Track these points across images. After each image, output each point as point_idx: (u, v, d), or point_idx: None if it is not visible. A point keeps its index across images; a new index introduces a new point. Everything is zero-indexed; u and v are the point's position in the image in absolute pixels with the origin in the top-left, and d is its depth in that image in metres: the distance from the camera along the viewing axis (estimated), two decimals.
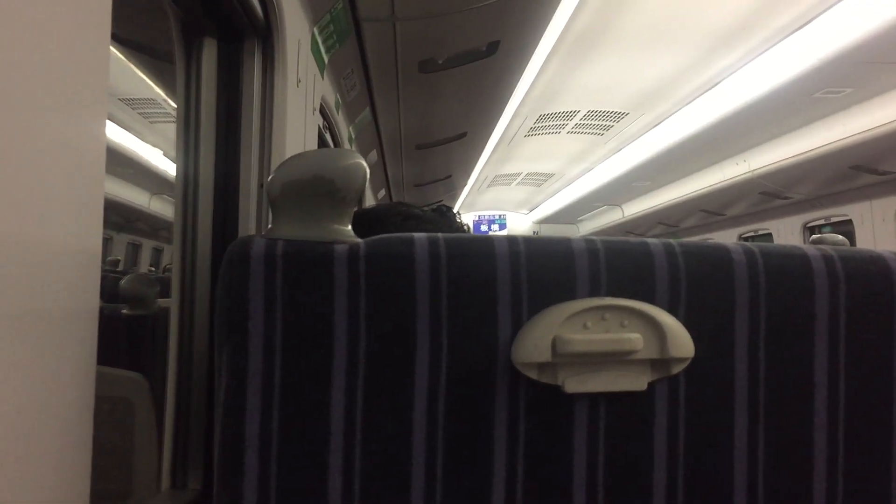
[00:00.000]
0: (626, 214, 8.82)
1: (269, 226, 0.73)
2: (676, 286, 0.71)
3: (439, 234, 0.72)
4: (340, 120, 2.88)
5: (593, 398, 0.70)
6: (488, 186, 9.48)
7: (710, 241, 0.75)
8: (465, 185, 8.15)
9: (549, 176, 8.62)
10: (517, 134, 6.26)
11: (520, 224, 12.03)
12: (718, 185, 6.11)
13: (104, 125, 0.73)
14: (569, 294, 0.70)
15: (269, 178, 0.71)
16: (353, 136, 3.52)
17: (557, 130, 6.28)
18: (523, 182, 9.18)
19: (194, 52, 1.52)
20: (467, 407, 0.69)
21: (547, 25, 2.68)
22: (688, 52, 4.16)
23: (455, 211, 1.50)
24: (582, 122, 5.93)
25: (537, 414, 0.70)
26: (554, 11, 2.54)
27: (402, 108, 3.38)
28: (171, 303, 1.49)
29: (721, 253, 0.73)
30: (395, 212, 1.38)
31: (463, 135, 4.58)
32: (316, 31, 2.03)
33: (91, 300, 0.71)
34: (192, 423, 1.48)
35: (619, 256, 0.71)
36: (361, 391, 0.68)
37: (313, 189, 0.71)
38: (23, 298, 0.58)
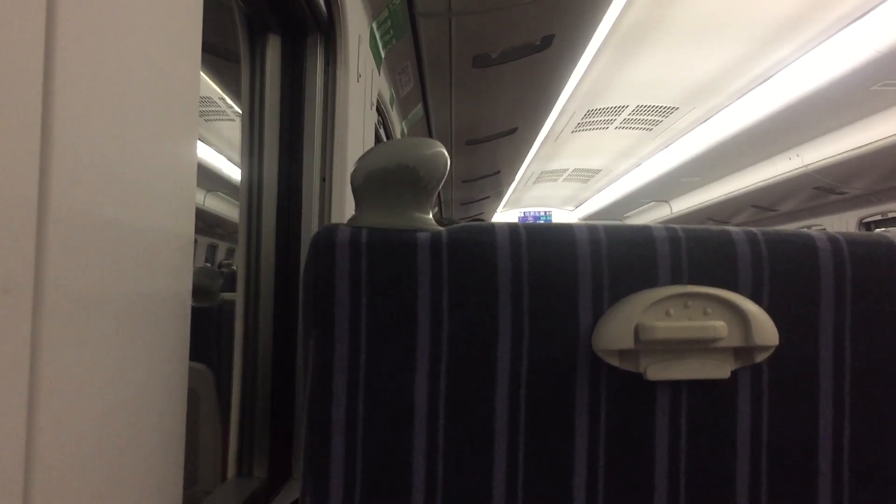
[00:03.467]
0: (674, 211, 8.72)
1: (352, 214, 0.74)
2: (759, 274, 0.71)
3: (520, 223, 0.72)
4: (394, 115, 2.90)
5: (675, 386, 0.70)
6: (534, 182, 9.45)
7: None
8: (512, 180, 8.13)
9: (596, 172, 8.56)
10: (564, 129, 6.23)
11: (565, 221, 11.94)
12: (770, 181, 6.01)
13: (196, 134, 0.75)
14: (650, 282, 0.70)
15: (353, 167, 0.72)
16: (406, 132, 3.54)
17: (605, 126, 6.23)
18: (570, 178, 9.13)
19: (258, 48, 1.55)
20: (549, 393, 0.70)
21: (601, 19, 2.67)
22: (740, 45, 4.10)
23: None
24: (631, 117, 5.88)
25: (618, 401, 0.70)
26: (609, 4, 2.53)
27: (454, 104, 3.39)
28: (237, 296, 1.52)
29: (805, 240, 0.72)
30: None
31: (513, 130, 4.58)
32: (374, 26, 2.05)
33: (185, 284, 0.73)
34: (257, 413, 1.50)
35: (700, 244, 0.71)
36: (444, 376, 0.69)
37: (397, 178, 0.72)
38: (134, 281, 0.61)
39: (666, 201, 8.80)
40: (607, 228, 0.72)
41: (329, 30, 1.60)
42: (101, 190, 0.53)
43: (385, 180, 0.72)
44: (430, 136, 4.26)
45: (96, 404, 0.54)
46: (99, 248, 0.53)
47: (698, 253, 0.71)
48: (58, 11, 0.46)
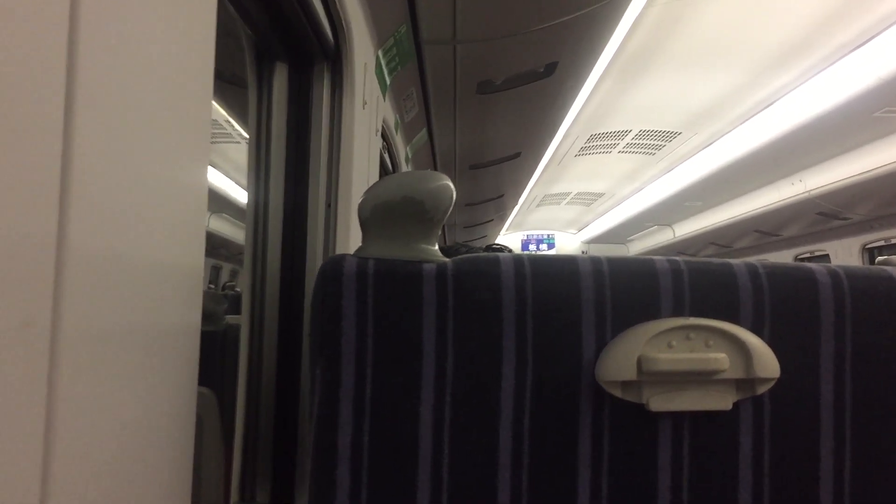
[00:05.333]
0: (677, 235, 8.73)
1: (357, 240, 0.75)
2: (761, 307, 0.72)
3: (524, 254, 0.73)
4: (398, 140, 2.92)
5: (677, 417, 0.71)
6: (537, 206, 9.47)
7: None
8: (516, 204, 8.15)
9: (599, 195, 8.58)
10: (567, 154, 6.26)
11: (568, 244, 11.97)
12: (773, 206, 6.02)
13: (206, 165, 0.76)
14: (653, 313, 0.71)
15: (361, 199, 0.73)
16: (410, 157, 3.56)
17: (608, 150, 6.26)
18: (573, 201, 9.16)
19: (266, 76, 1.57)
20: (552, 423, 0.71)
21: (605, 45, 2.70)
22: (743, 71, 4.13)
23: (506, 248, 1.53)
24: (633, 141, 5.91)
25: (621, 432, 0.71)
26: (612, 32, 2.56)
27: (459, 129, 3.41)
28: (242, 320, 1.53)
29: (805, 274, 0.73)
30: (454, 251, 1.42)
31: (517, 155, 4.60)
32: (380, 53, 2.07)
33: (195, 314, 0.74)
34: (260, 438, 1.51)
35: (702, 276, 0.72)
36: (449, 406, 0.70)
37: (403, 210, 0.73)
38: (146, 312, 0.62)
39: (669, 225, 8.81)
40: (610, 261, 0.73)
41: (336, 58, 1.62)
42: (116, 225, 0.54)
43: (391, 212, 0.73)
44: (434, 160, 4.28)
45: (109, 431, 0.55)
46: (113, 282, 0.54)
47: (700, 285, 0.72)
48: (78, 51, 0.47)
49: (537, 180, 7.08)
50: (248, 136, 1.59)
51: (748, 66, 4.05)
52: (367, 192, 0.74)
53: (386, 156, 2.64)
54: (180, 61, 0.68)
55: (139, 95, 0.58)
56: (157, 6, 0.62)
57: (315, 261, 1.56)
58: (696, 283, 0.72)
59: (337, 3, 1.51)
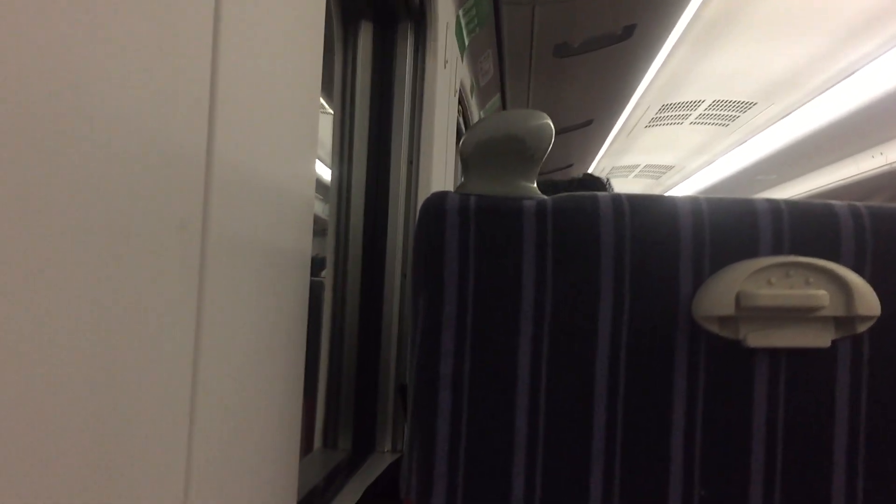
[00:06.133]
0: None
1: (460, 181, 0.77)
2: (862, 246, 0.72)
3: (622, 193, 0.75)
4: (473, 104, 2.93)
5: (774, 354, 0.72)
6: (605, 178, 9.35)
7: None
8: None
9: (668, 168, 8.43)
10: (638, 124, 6.16)
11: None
12: (852, 179, 5.84)
13: (314, 162, 0.80)
14: (751, 252, 0.72)
15: (463, 138, 0.76)
16: None
17: (680, 121, 6.13)
18: (641, 174, 9.01)
19: (350, 34, 1.60)
20: (648, 357, 0.72)
21: (684, 8, 2.65)
22: (823, 40, 4.00)
23: (603, 178, 1.53)
24: (706, 112, 5.77)
25: (717, 367, 0.72)
26: None
27: (533, 93, 3.40)
28: (327, 273, 1.57)
29: None
30: (550, 185, 1.43)
31: (588, 122, 4.56)
32: (461, 13, 2.08)
33: (307, 239, 0.77)
34: (343, 389, 1.56)
35: (802, 216, 0.72)
36: (547, 338, 0.72)
37: (504, 147, 0.75)
38: (267, 231, 0.65)
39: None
40: (709, 200, 0.74)
41: (420, 17, 1.64)
42: (251, 145, 0.58)
43: (493, 150, 0.75)
44: None
45: (242, 342, 0.59)
46: (245, 197, 0.57)
47: (800, 225, 0.72)
48: (220, 58, 0.50)
49: (606, 151, 6.99)
50: (330, 110, 1.62)
51: (829, 35, 3.92)
52: (469, 131, 0.76)
53: (460, 119, 2.66)
54: (296, 52, 0.71)
55: (273, 77, 0.62)
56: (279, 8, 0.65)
57: (397, 216, 1.59)
58: (795, 222, 0.72)
59: None
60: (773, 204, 0.73)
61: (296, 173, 0.72)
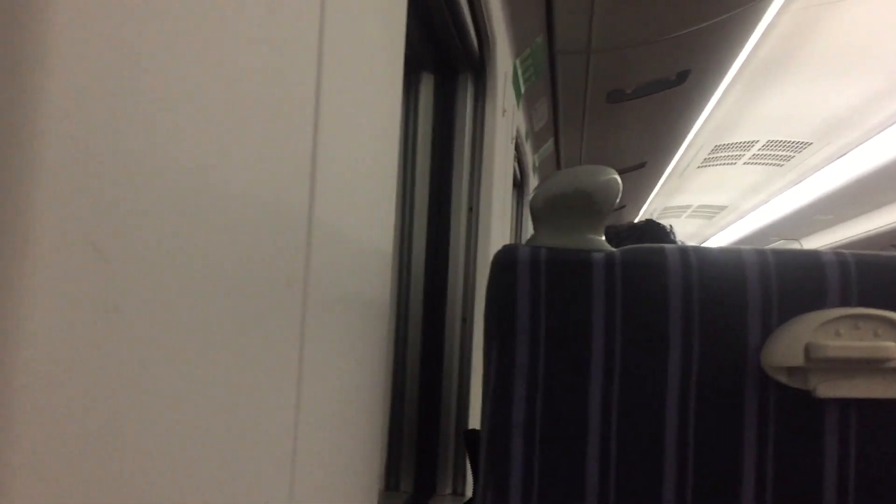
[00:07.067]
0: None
1: (531, 234, 0.80)
2: None
3: (689, 245, 0.77)
4: (528, 149, 2.97)
5: (844, 405, 0.72)
6: (658, 218, 9.28)
7: None
8: (636, 216, 8.04)
9: (722, 208, 8.34)
10: (690, 165, 6.13)
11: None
12: None
13: (393, 216, 0.84)
14: (819, 304, 0.73)
15: (533, 193, 0.79)
16: (537, 165, 3.61)
17: (733, 161, 6.09)
18: (693, 214, 8.93)
19: (413, 85, 1.65)
20: (717, 408, 0.73)
21: (738, 53, 2.67)
22: (879, 79, 3.97)
23: (666, 225, 1.55)
24: (760, 152, 5.73)
25: (787, 418, 0.73)
26: (747, 39, 2.53)
27: (586, 138, 3.43)
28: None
29: None
30: (615, 233, 1.45)
31: (641, 165, 4.57)
32: (517, 63, 2.13)
33: (386, 293, 0.81)
34: (405, 430, 1.58)
35: (870, 268, 0.74)
36: (617, 387, 0.74)
37: (573, 202, 0.78)
38: (355, 285, 0.69)
39: (796, 240, 8.49)
40: (776, 252, 0.75)
41: (479, 67, 1.69)
42: (342, 213, 0.62)
43: (562, 204, 0.78)
44: (559, 169, 4.31)
45: (334, 391, 0.62)
46: (338, 258, 0.61)
47: (868, 277, 0.73)
48: (320, 127, 0.55)
49: (658, 192, 6.96)
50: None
51: (885, 74, 3.89)
52: (538, 187, 0.79)
53: (515, 164, 2.70)
54: (379, 115, 0.75)
55: (359, 92, 0.66)
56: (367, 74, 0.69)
57: (457, 262, 1.62)
58: (863, 274, 0.73)
59: (484, 14, 1.58)
60: (841, 256, 0.74)
61: (377, 228, 0.75)
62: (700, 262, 0.74)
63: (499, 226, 1.95)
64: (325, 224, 0.56)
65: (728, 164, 6.18)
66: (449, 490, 1.57)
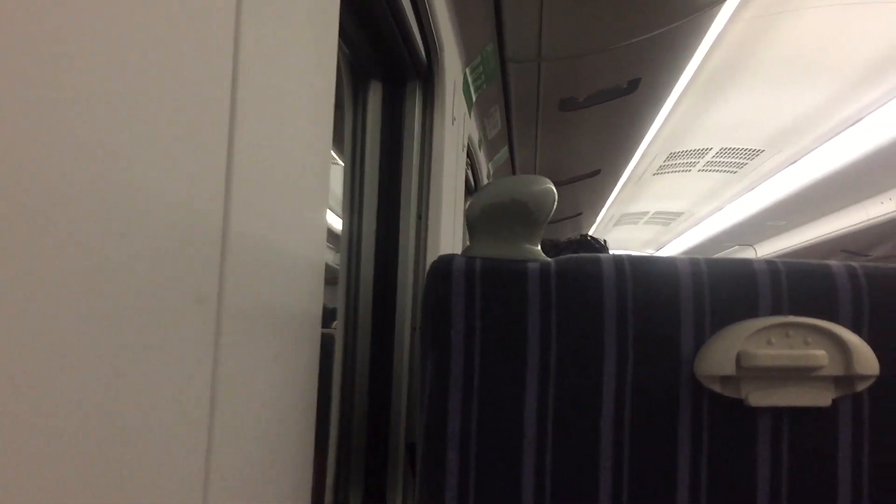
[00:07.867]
0: (759, 255, 8.53)
1: (466, 244, 0.79)
2: (859, 306, 0.73)
3: (623, 255, 0.77)
4: (481, 157, 2.98)
5: (776, 413, 0.73)
6: (614, 225, 9.38)
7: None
8: (593, 223, 8.11)
9: (678, 215, 8.45)
10: (646, 172, 6.20)
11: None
12: (861, 225, 5.85)
13: (325, 227, 0.82)
14: (751, 312, 0.73)
15: (469, 202, 0.78)
16: (491, 173, 3.61)
17: (688, 169, 6.17)
18: (650, 221, 9.03)
19: (361, 94, 1.64)
20: (652, 416, 0.73)
21: (689, 61, 2.70)
22: (829, 87, 4.04)
23: (601, 239, 1.56)
24: (714, 159, 5.81)
25: (720, 426, 0.73)
26: (696, 47, 2.56)
27: (540, 146, 3.45)
28: (337, 329, 1.59)
29: None
30: (552, 246, 1.46)
31: (596, 172, 4.60)
32: (468, 71, 2.13)
33: (317, 305, 0.79)
34: (353, 444, 1.56)
35: (800, 276, 0.74)
36: (552, 397, 0.74)
37: (509, 211, 0.78)
38: (279, 298, 0.67)
39: (750, 245, 8.63)
40: (708, 262, 0.75)
41: (428, 76, 1.68)
42: (262, 221, 0.60)
43: (498, 214, 0.78)
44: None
45: (255, 402, 0.60)
46: (258, 269, 0.59)
47: (799, 285, 0.74)
48: (236, 129, 0.53)
49: (615, 199, 7.03)
50: (340, 161, 1.66)
51: (836, 82, 3.96)
52: (474, 196, 0.79)
53: (469, 172, 2.69)
54: (308, 119, 0.73)
55: (284, 109, 0.64)
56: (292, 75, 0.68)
57: (406, 270, 1.61)
58: (794, 283, 0.74)
59: (431, 23, 1.57)
60: (772, 265, 0.75)
61: (306, 237, 0.74)
62: (634, 271, 0.74)
63: (449, 233, 1.94)
64: (244, 234, 0.55)
65: (683, 171, 6.26)
66: (418, 484, 1.56)
